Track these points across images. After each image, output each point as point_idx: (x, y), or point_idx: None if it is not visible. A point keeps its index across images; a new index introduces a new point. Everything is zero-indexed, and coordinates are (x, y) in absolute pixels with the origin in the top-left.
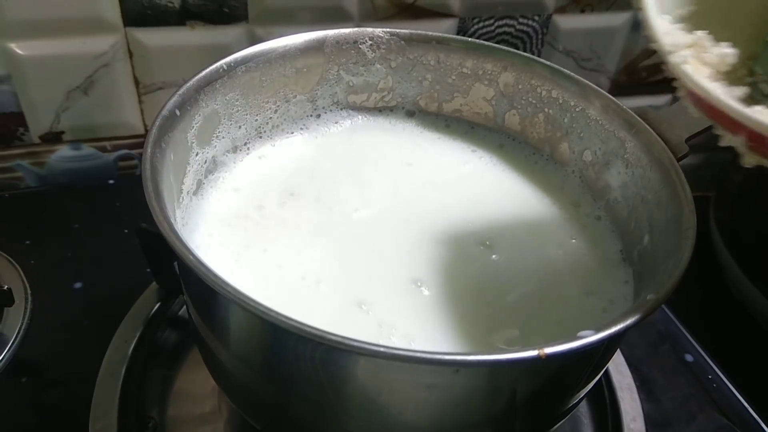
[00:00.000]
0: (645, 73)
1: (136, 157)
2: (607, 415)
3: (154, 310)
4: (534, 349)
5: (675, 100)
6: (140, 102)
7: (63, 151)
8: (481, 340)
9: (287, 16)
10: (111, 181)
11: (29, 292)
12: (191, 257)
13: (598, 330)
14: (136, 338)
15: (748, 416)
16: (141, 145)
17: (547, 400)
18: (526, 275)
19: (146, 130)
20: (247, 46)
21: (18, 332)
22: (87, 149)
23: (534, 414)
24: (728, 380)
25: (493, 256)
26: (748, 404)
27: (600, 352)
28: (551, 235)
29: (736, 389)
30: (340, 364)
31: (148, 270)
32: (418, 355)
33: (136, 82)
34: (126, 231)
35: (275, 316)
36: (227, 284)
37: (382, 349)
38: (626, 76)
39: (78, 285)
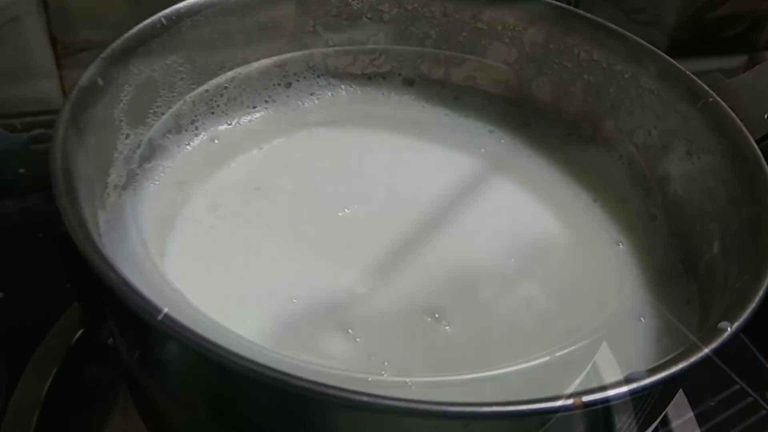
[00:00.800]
0: (713, 27)
1: None
2: None
3: (75, 338)
4: (569, 396)
5: (753, 62)
6: (59, 67)
7: None
8: (497, 379)
9: None
10: (21, 170)
11: None
12: (113, 276)
13: (652, 370)
14: (52, 375)
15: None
16: None
17: None
18: (561, 296)
19: None
20: None
21: None
22: None
23: None
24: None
25: (519, 270)
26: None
27: (655, 396)
28: (592, 241)
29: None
30: (317, 414)
31: (67, 286)
32: (419, 407)
33: (54, 42)
34: (40, 235)
35: (225, 354)
36: (158, 310)
37: (366, 399)
38: (689, 32)
39: None
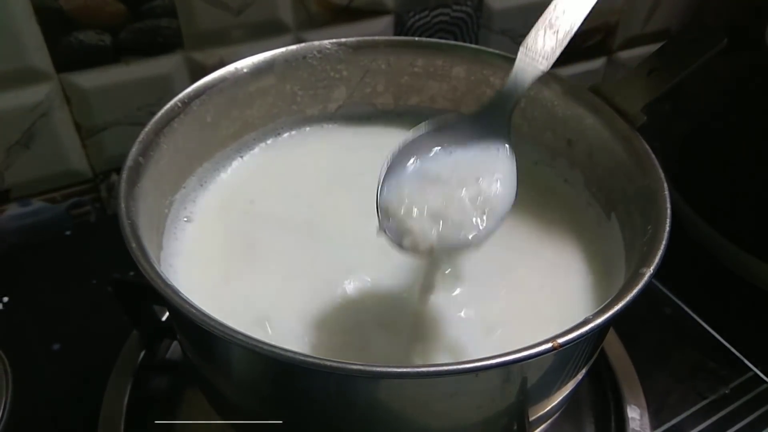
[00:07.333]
0: (579, 39)
1: (88, 203)
2: (603, 377)
3: (140, 358)
4: (548, 341)
5: (610, 62)
6: (84, 146)
7: (12, 210)
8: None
9: (222, 36)
10: (68, 232)
11: (7, 363)
12: (193, 311)
13: (602, 310)
14: (128, 390)
15: (731, 356)
16: (91, 191)
17: (557, 379)
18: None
19: (94, 174)
20: (187, 73)
21: (4, 408)
22: (37, 203)
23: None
24: (705, 323)
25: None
26: (729, 344)
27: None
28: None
29: (716, 332)
30: (359, 390)
31: (124, 318)
32: (443, 368)
33: (78, 127)
34: (94, 281)
35: (288, 355)
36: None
37: (408, 370)
38: None
39: (56, 346)
